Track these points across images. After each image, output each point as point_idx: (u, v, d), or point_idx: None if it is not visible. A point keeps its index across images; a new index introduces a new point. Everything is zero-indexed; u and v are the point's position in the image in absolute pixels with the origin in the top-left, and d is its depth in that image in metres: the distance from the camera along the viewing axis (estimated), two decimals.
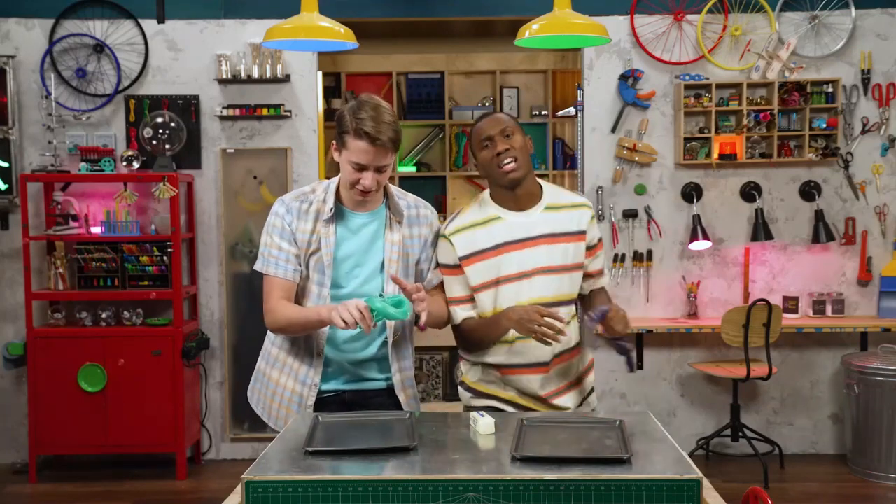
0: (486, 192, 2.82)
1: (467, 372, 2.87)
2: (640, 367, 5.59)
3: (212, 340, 5.59)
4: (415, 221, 2.82)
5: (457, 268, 2.77)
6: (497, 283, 2.73)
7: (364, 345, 2.77)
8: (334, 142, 2.70)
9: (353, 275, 2.75)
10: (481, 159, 2.74)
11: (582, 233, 2.78)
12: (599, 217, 5.50)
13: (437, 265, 2.82)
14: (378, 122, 2.58)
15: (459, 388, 2.91)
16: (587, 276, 2.85)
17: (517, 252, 2.72)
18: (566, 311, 2.77)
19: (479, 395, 2.84)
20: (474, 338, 2.80)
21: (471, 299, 2.79)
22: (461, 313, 2.80)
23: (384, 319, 2.53)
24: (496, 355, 2.78)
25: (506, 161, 2.68)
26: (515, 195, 2.74)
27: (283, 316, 2.73)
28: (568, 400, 2.82)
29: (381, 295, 2.61)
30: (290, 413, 2.79)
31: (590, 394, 2.93)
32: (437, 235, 2.86)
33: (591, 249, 2.83)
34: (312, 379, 2.77)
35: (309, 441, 2.16)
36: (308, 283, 2.76)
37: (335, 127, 2.69)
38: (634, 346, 2.79)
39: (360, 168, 2.63)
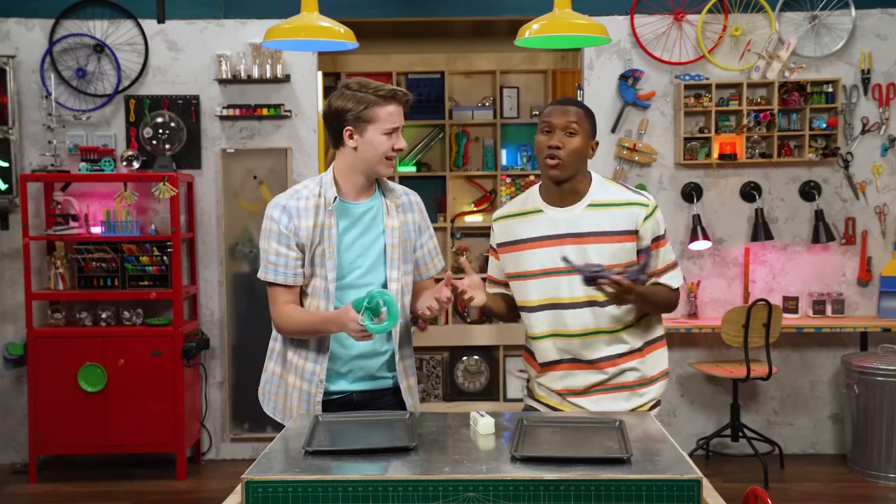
0: (537, 185, 2.82)
1: (532, 379, 2.90)
2: None
3: (212, 340, 5.59)
4: (408, 208, 2.88)
5: (495, 251, 2.87)
6: (526, 275, 2.73)
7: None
8: (349, 128, 2.69)
9: (356, 265, 2.76)
10: (537, 141, 2.72)
11: (633, 233, 2.66)
12: None
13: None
14: (389, 86, 2.72)
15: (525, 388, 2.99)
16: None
17: (550, 248, 2.68)
18: (611, 312, 2.67)
19: (533, 398, 2.88)
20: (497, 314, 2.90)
21: (504, 284, 2.86)
22: (490, 289, 2.88)
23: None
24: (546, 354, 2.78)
25: (552, 155, 2.65)
26: (559, 190, 2.71)
27: (290, 323, 2.75)
28: (612, 403, 2.71)
29: (372, 302, 2.56)
30: (300, 411, 2.79)
31: (651, 407, 2.77)
32: (427, 219, 2.94)
33: (643, 252, 2.66)
34: (318, 375, 2.77)
35: (309, 441, 2.16)
36: (313, 279, 2.76)
37: (338, 117, 2.70)
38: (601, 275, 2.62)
39: (393, 131, 2.71)
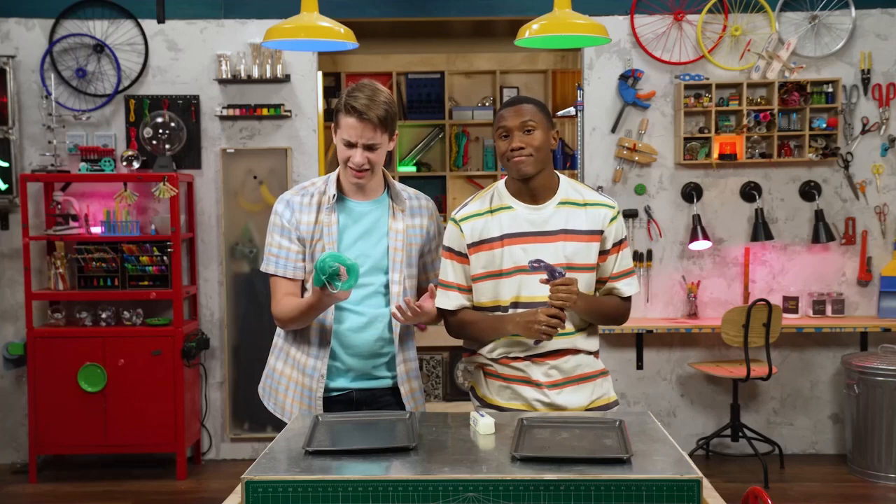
0: (502, 181, 2.76)
1: (478, 383, 2.83)
2: (641, 367, 5.60)
3: (212, 340, 5.59)
4: (417, 212, 2.86)
5: (462, 256, 2.72)
6: (500, 274, 2.66)
7: (368, 338, 2.78)
8: (333, 125, 2.77)
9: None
10: (497, 147, 2.69)
11: (599, 233, 2.68)
12: None
13: (443, 248, 2.77)
14: (370, 99, 2.66)
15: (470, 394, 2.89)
16: (600, 281, 2.73)
17: (525, 245, 2.65)
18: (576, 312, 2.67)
19: (484, 404, 2.79)
20: (471, 332, 2.75)
21: (468, 289, 2.73)
22: (457, 300, 2.73)
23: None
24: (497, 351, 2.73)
25: (518, 157, 2.62)
26: (529, 187, 2.68)
27: (285, 311, 2.77)
28: (570, 397, 2.70)
29: (334, 273, 2.53)
30: (301, 407, 2.80)
31: (605, 405, 2.76)
32: (440, 225, 2.89)
33: (603, 254, 2.70)
34: (319, 371, 2.78)
35: (309, 441, 2.16)
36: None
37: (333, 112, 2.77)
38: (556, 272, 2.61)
39: (350, 145, 2.69)
